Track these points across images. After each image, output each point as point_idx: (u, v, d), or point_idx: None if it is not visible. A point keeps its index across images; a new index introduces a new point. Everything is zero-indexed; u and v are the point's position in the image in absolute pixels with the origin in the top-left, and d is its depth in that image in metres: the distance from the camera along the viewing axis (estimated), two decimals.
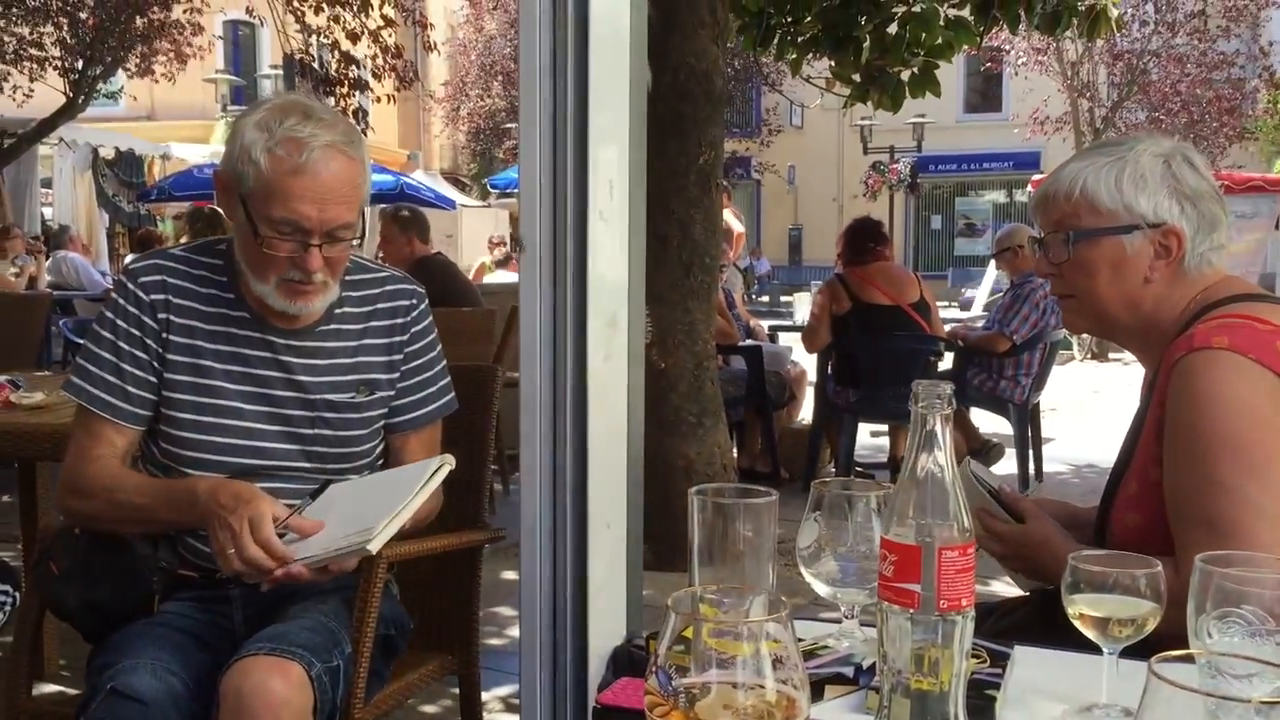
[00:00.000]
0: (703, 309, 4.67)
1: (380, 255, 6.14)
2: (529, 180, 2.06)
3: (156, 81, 15.21)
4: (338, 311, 1.94)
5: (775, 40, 5.66)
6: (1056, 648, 1.28)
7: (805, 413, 6.88)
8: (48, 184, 15.91)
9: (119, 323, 1.85)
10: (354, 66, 9.65)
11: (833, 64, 5.75)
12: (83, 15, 13.23)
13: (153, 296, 1.86)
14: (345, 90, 9.64)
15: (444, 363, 2.05)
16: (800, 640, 1.23)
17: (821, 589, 1.17)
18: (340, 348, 1.93)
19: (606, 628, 1.98)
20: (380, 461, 2.01)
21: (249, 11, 11.68)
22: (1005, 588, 1.84)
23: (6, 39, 13.24)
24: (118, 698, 1.59)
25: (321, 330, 1.92)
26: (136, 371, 1.84)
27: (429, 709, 3.07)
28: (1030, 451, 6.18)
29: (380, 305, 1.98)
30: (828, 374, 5.99)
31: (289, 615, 1.76)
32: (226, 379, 1.86)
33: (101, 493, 1.80)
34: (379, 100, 10.95)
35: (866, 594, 1.15)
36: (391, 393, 1.97)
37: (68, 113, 13.59)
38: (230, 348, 1.87)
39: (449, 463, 1.79)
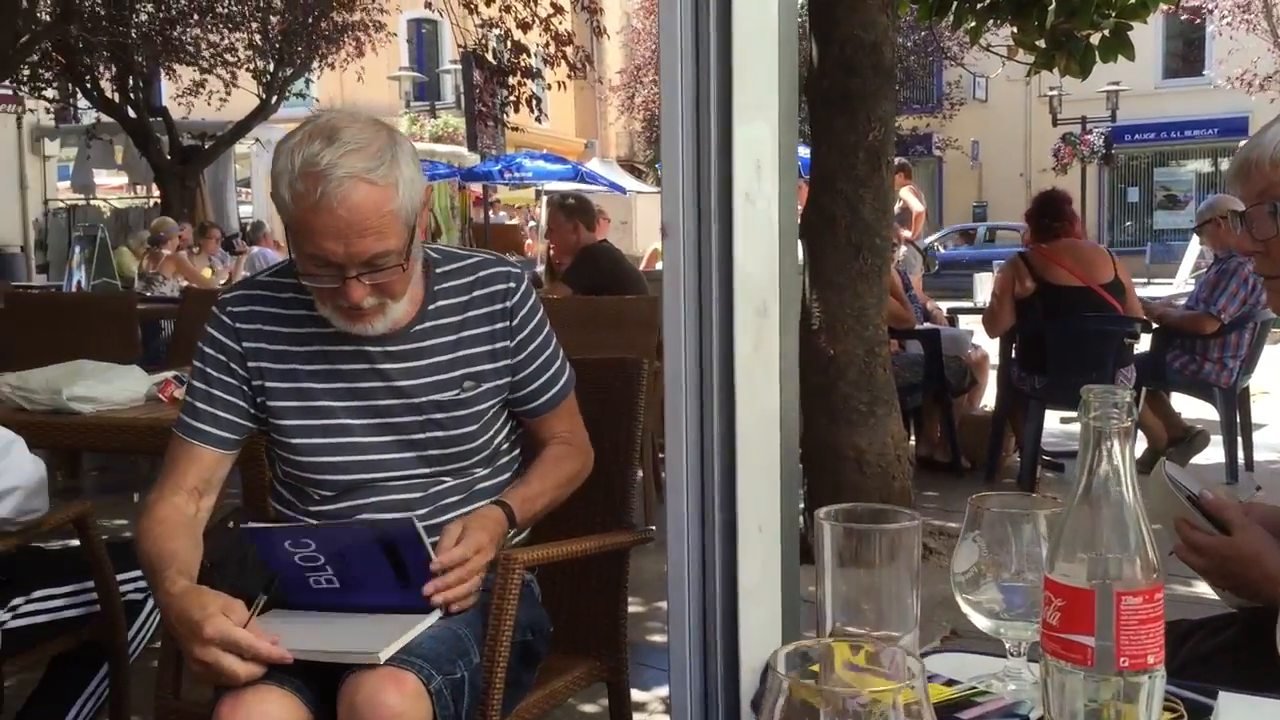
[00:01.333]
0: (874, 292, 4.46)
1: (550, 244, 6.15)
2: (670, 161, 1.94)
3: (343, 69, 15.69)
4: (432, 307, 1.87)
5: (952, 7, 5.36)
6: (1271, 684, 1.08)
7: (988, 399, 6.55)
8: (246, 183, 16.71)
9: (208, 351, 1.85)
10: (525, 55, 9.72)
11: (1015, 30, 5.41)
12: (273, 20, 13.80)
13: (241, 326, 1.84)
14: (518, 79, 9.72)
15: (555, 337, 1.97)
16: (954, 682, 1.08)
17: (981, 622, 1.01)
18: (439, 344, 1.85)
19: (759, 637, 1.86)
20: (507, 452, 1.94)
21: (428, 5, 11.91)
22: (1211, 591, 1.62)
23: (203, 47, 13.92)
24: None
25: (417, 330, 1.85)
26: (226, 396, 1.84)
27: (586, 708, 3.00)
28: (1239, 439, 5.71)
29: (477, 293, 1.89)
30: (1012, 358, 5.67)
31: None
32: (330, 397, 1.82)
33: (143, 533, 1.75)
34: (550, 88, 11.00)
35: (1036, 629, 0.99)
36: (502, 381, 1.89)
37: (262, 114, 14.22)
38: (327, 365, 1.83)
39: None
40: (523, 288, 1.91)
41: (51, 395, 2.58)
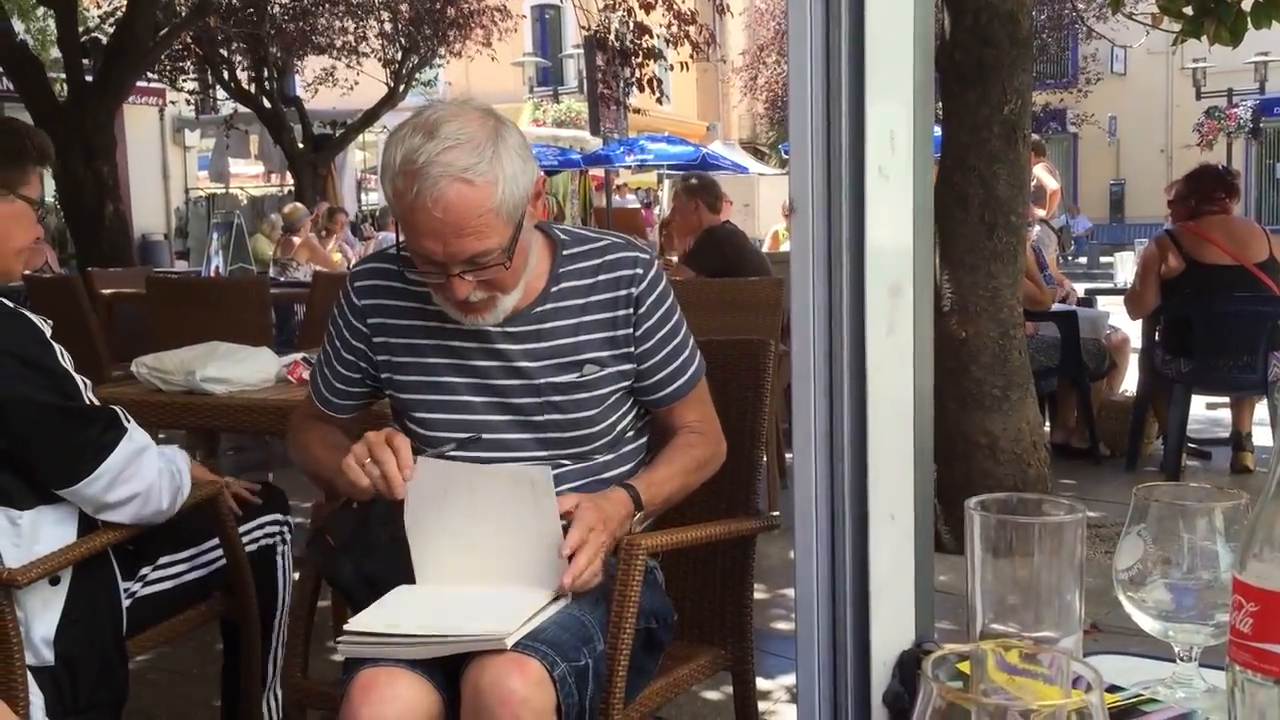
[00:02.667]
0: (1008, 272, 4.29)
1: (672, 225, 6.10)
2: (799, 133, 1.87)
3: (471, 59, 15.86)
4: (555, 289, 1.83)
5: None
6: None
7: (1129, 383, 6.28)
8: (374, 170, 17.04)
9: (338, 321, 1.89)
10: (647, 36, 9.67)
11: None
12: (402, 7, 14.03)
13: (364, 301, 1.85)
14: (640, 60, 9.68)
15: (686, 324, 1.91)
16: (1119, 689, 1.00)
17: (1148, 624, 0.92)
18: (560, 326, 1.82)
19: (891, 631, 1.78)
20: (632, 439, 1.89)
21: None
22: None
23: (335, 36, 14.23)
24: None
25: (538, 311, 1.82)
26: (343, 370, 1.89)
27: (710, 695, 2.96)
28: None
29: (602, 276, 1.84)
30: (1155, 341, 5.41)
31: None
32: (451, 373, 1.82)
33: (300, 439, 1.92)
34: (672, 69, 10.94)
35: (1210, 633, 0.90)
36: (625, 367, 1.84)
37: (390, 101, 14.49)
38: (448, 343, 1.82)
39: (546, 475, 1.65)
40: (650, 274, 1.85)
41: (186, 376, 2.64)
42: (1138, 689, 0.95)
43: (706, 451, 1.90)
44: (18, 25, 9.85)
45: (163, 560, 2.17)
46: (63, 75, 8.04)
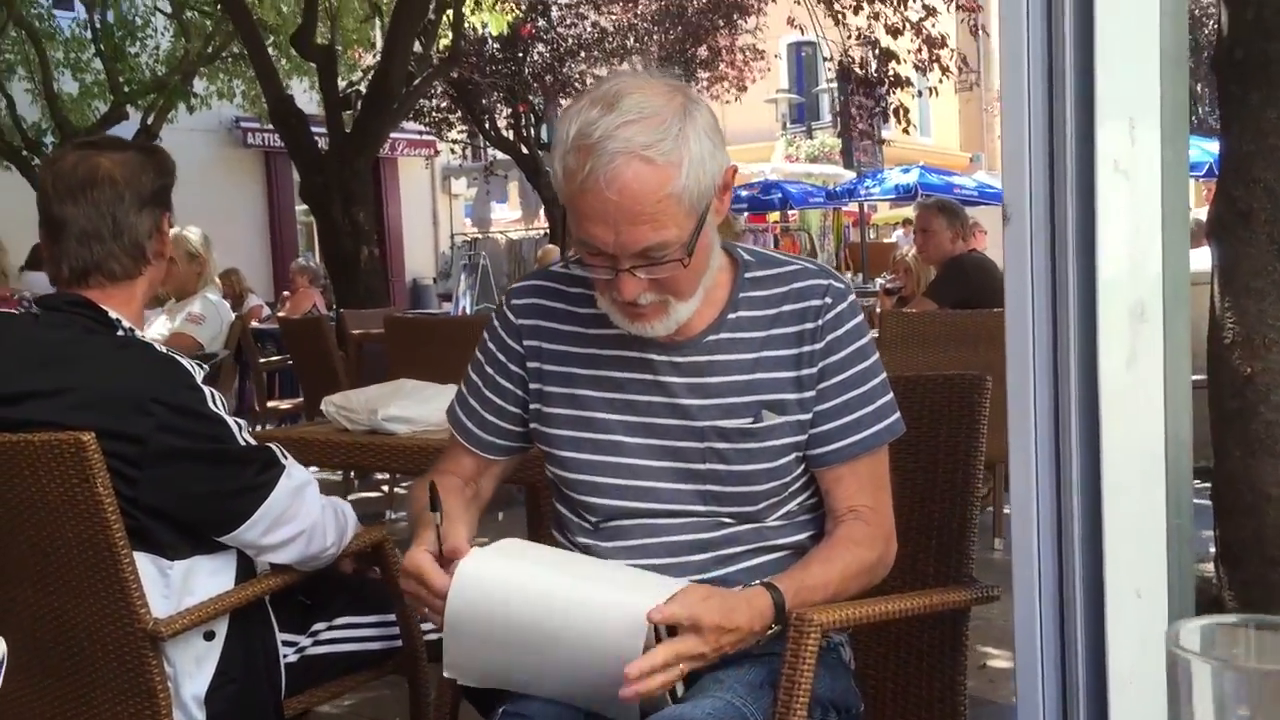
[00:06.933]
0: None
1: (919, 248, 5.76)
2: (1013, 124, 1.57)
3: (725, 102, 15.90)
4: (733, 316, 1.56)
5: None
6: None
7: None
8: None
9: (490, 345, 1.67)
10: (894, 62, 9.30)
11: None
12: (653, 50, 14.20)
13: (521, 321, 1.64)
14: (887, 89, 9.33)
15: (881, 376, 1.59)
16: None
17: None
18: (734, 361, 1.55)
19: None
20: (808, 505, 1.60)
21: (790, 23, 11.64)
22: None
23: (589, 81, 14.55)
24: None
25: (710, 341, 1.55)
26: (497, 400, 1.66)
27: None
28: None
29: (787, 307, 1.56)
30: None
31: (692, 689, 1.41)
32: (605, 408, 1.57)
33: (415, 497, 1.66)
34: (919, 95, 10.49)
35: None
36: (806, 416, 1.54)
37: None
38: (605, 371, 1.58)
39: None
40: (840, 306, 1.56)
41: (369, 415, 2.55)
42: None
43: (872, 554, 1.56)
44: (291, 83, 10.55)
45: (341, 620, 2.04)
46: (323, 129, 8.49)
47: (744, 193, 16.48)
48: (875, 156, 17.77)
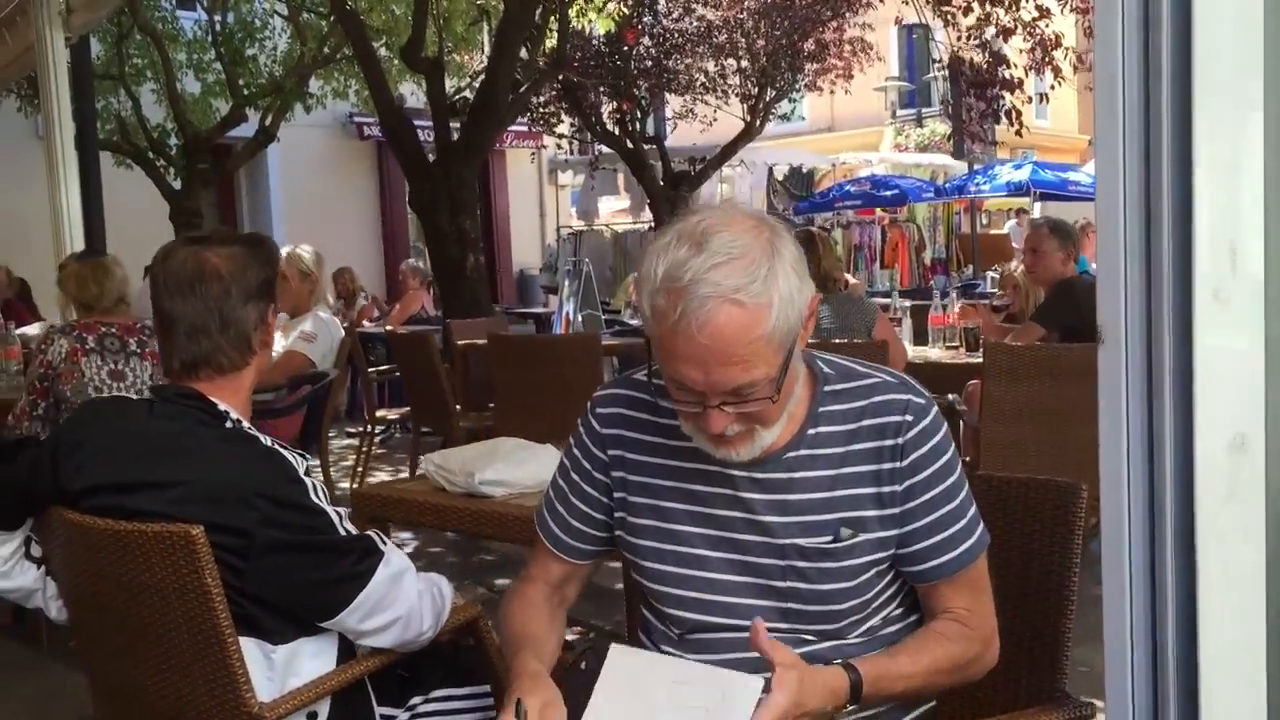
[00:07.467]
0: None
1: (1028, 267, 5.63)
2: (1109, 242, 1.53)
3: (831, 93, 15.69)
4: (812, 432, 1.56)
5: None
6: None
7: None
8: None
9: (575, 452, 1.71)
10: (1005, 66, 9.05)
11: None
12: (760, 44, 14.07)
13: (606, 431, 1.67)
14: (997, 92, 9.10)
15: (966, 489, 1.57)
16: None
17: None
18: (814, 478, 1.55)
19: None
20: (893, 621, 1.59)
21: (897, 22, 11.45)
22: None
23: (696, 74, 14.50)
24: None
25: (791, 457, 1.56)
26: (583, 507, 1.69)
27: None
28: None
29: (866, 422, 1.56)
30: None
31: None
32: (687, 521, 1.59)
33: (507, 614, 1.72)
34: (1030, 100, 10.18)
35: None
36: (888, 533, 1.54)
37: (747, 136, 14.56)
38: (687, 485, 1.60)
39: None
40: (924, 422, 1.55)
41: (466, 478, 2.58)
42: None
43: (967, 651, 1.56)
44: (403, 88, 10.70)
45: (438, 694, 2.09)
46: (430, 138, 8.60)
47: (852, 189, 16.24)
48: (987, 146, 17.37)
